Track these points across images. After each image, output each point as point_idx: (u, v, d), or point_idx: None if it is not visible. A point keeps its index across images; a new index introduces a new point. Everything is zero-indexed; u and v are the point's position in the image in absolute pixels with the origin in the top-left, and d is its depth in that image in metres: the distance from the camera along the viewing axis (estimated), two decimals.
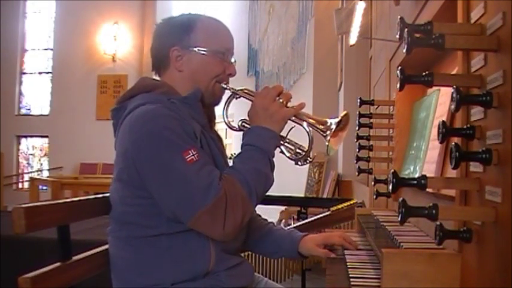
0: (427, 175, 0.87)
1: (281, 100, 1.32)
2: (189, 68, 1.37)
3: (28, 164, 11.96)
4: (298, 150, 1.38)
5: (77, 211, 1.41)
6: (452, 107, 0.81)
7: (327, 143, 1.29)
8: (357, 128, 1.84)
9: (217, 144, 1.39)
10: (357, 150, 1.88)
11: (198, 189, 1.18)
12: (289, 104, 1.34)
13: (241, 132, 1.38)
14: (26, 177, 11.20)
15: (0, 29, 11.13)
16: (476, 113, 0.88)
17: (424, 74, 0.87)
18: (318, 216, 2.60)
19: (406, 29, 0.85)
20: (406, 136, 1.68)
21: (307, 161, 1.39)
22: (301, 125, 1.33)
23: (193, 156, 1.20)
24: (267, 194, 1.31)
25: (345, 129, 1.33)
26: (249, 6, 9.82)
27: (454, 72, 1.17)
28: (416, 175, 0.90)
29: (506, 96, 0.76)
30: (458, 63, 0.98)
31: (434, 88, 1.40)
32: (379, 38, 3.17)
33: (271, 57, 8.73)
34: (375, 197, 1.69)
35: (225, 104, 1.44)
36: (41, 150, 11.93)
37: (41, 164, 11.90)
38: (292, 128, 1.38)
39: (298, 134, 1.39)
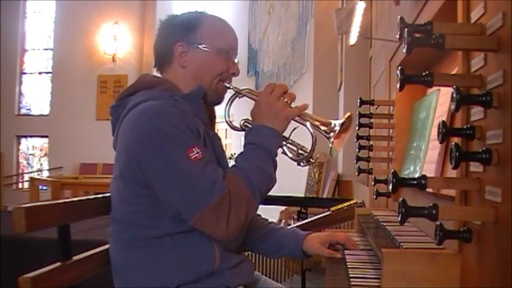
0: (427, 175, 0.87)
1: (285, 99, 1.32)
2: (193, 65, 1.36)
3: (28, 164, 11.96)
4: (300, 151, 1.37)
5: (77, 211, 1.41)
6: (452, 107, 0.81)
7: (330, 145, 1.29)
8: (357, 128, 1.84)
9: (219, 144, 1.38)
10: (357, 150, 1.87)
11: (202, 188, 1.17)
12: (292, 105, 1.34)
13: (242, 132, 1.38)
14: (26, 177, 11.21)
15: (0, 29, 11.14)
16: (476, 113, 0.88)
17: (424, 74, 0.87)
18: (318, 216, 2.60)
19: (406, 29, 0.85)
20: (406, 136, 1.68)
21: (310, 162, 1.38)
22: (305, 126, 1.32)
23: (197, 154, 1.19)
24: (268, 193, 1.31)
25: (348, 130, 1.32)
26: (249, 6, 9.82)
27: (454, 72, 1.17)
28: (416, 175, 0.89)
29: (506, 96, 0.76)
30: (458, 63, 0.98)
31: (434, 88, 1.40)
32: (379, 38, 3.17)
33: (271, 57, 8.73)
34: (374, 197, 1.69)
35: (228, 103, 1.44)
36: (41, 150, 11.93)
37: (41, 164, 11.90)
38: (295, 128, 1.38)
39: (299, 135, 1.39)
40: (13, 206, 1.16)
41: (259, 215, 1.58)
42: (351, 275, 1.16)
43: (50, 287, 1.20)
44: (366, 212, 1.79)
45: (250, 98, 1.39)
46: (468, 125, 0.85)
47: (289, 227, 1.70)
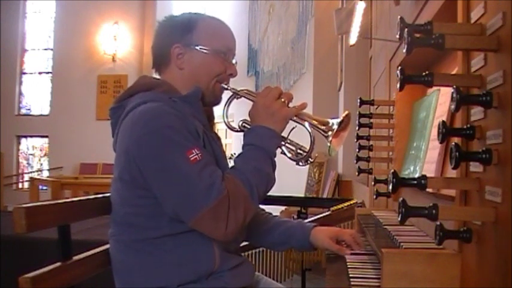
0: (427, 175, 0.87)
1: (283, 100, 1.32)
2: (190, 66, 1.37)
3: (28, 164, 11.97)
4: (299, 151, 1.37)
5: (77, 211, 1.41)
6: (452, 107, 0.81)
7: (328, 144, 1.29)
8: (357, 128, 1.84)
9: (218, 144, 1.39)
10: (357, 150, 1.88)
11: (201, 189, 1.17)
12: (290, 105, 1.34)
13: (241, 133, 1.38)
14: (26, 177, 11.21)
15: (0, 29, 11.14)
16: (476, 113, 0.88)
17: (424, 74, 0.87)
18: (318, 216, 2.59)
19: (406, 29, 0.85)
20: (406, 136, 1.68)
21: (308, 162, 1.38)
22: (303, 125, 1.33)
23: (196, 156, 1.20)
24: (268, 193, 1.31)
25: (346, 129, 1.32)
26: (249, 6, 9.82)
27: (454, 72, 1.17)
28: (416, 175, 0.90)
29: (506, 96, 0.76)
30: (458, 63, 0.98)
31: (434, 88, 1.40)
32: (379, 38, 3.17)
33: (271, 57, 8.73)
34: (374, 197, 1.69)
35: (226, 104, 1.44)
36: (41, 150, 11.93)
37: (41, 164, 11.90)
38: (294, 128, 1.38)
39: (298, 134, 1.39)
40: (13, 206, 1.16)
41: (263, 210, 1.57)
42: (351, 275, 1.16)
43: (50, 287, 1.20)
44: (366, 212, 1.79)
45: (248, 99, 1.39)
46: (468, 125, 0.85)
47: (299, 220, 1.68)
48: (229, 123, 1.47)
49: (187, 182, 1.18)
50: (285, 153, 1.38)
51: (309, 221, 2.56)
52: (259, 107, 1.32)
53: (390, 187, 0.87)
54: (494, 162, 0.78)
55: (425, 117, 1.45)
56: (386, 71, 2.22)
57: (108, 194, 1.39)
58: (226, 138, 9.17)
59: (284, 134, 1.35)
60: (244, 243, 1.65)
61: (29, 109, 11.93)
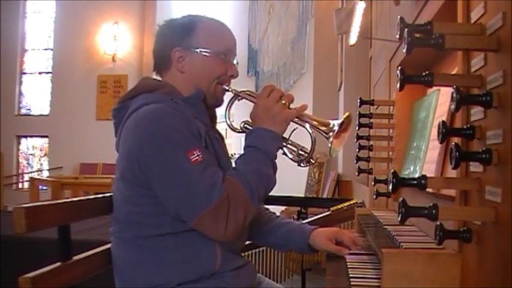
0: (427, 175, 0.87)
1: (283, 101, 1.32)
2: (191, 69, 1.37)
3: (28, 164, 11.96)
4: (300, 152, 1.38)
5: (77, 211, 1.41)
6: (452, 107, 0.81)
7: (329, 145, 1.29)
8: (357, 128, 1.84)
9: (221, 144, 1.39)
10: (357, 150, 1.88)
11: (201, 190, 1.18)
12: (291, 106, 1.34)
13: (243, 133, 1.38)
14: (26, 177, 11.21)
15: (0, 29, 11.14)
16: (476, 113, 0.88)
17: (424, 74, 0.87)
18: (318, 216, 2.60)
19: (406, 29, 0.85)
20: (406, 136, 1.68)
21: (310, 163, 1.38)
22: (304, 127, 1.33)
23: (198, 157, 1.20)
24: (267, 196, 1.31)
25: (347, 130, 1.32)
26: (249, 6, 9.82)
27: (454, 72, 1.17)
28: (416, 175, 0.90)
29: (506, 96, 0.76)
30: (458, 63, 0.98)
31: (434, 88, 1.40)
32: (379, 38, 3.17)
33: (271, 57, 8.73)
34: (374, 197, 1.69)
35: (227, 105, 1.44)
36: (41, 150, 11.93)
37: (41, 164, 11.90)
38: (295, 129, 1.38)
39: (300, 135, 1.39)
40: (13, 206, 1.16)
41: (267, 209, 1.58)
42: (351, 275, 1.16)
43: (50, 287, 1.20)
44: (366, 212, 1.79)
45: (249, 100, 1.39)
46: (468, 125, 0.85)
47: (300, 222, 1.68)
48: (231, 124, 1.47)
49: (188, 182, 1.19)
50: (286, 154, 1.38)
51: (309, 221, 2.57)
52: (260, 109, 1.32)
53: (390, 187, 0.87)
54: (494, 162, 0.78)
55: (425, 117, 1.45)
56: (386, 71, 2.22)
57: (108, 194, 1.39)
58: (226, 138, 9.16)
59: (285, 135, 1.36)
60: (247, 242, 1.65)
61: (29, 109, 11.93)
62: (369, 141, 1.88)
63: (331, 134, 1.28)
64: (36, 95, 11.87)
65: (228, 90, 1.41)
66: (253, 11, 9.72)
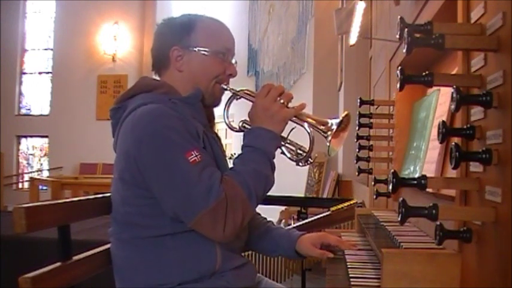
0: (427, 175, 0.87)
1: (282, 101, 1.32)
2: (189, 68, 1.37)
3: (28, 164, 11.96)
4: (299, 151, 1.37)
5: (77, 211, 1.41)
6: (452, 107, 0.81)
7: (328, 144, 1.29)
8: (357, 128, 1.84)
9: (218, 145, 1.39)
10: (357, 150, 1.88)
11: (199, 191, 1.18)
12: (290, 105, 1.34)
13: (242, 133, 1.38)
14: (26, 177, 11.21)
15: (0, 29, 11.14)
16: (476, 113, 0.88)
17: (424, 74, 0.87)
18: (318, 216, 2.60)
19: (406, 29, 0.85)
20: (406, 136, 1.68)
21: (308, 162, 1.38)
22: (302, 126, 1.33)
23: (196, 157, 1.20)
24: (267, 194, 1.31)
25: (346, 130, 1.32)
26: (249, 6, 9.82)
27: (454, 72, 1.17)
28: (416, 175, 0.90)
29: (506, 96, 0.76)
30: (458, 63, 0.98)
31: (434, 88, 1.40)
32: (379, 38, 3.17)
33: (271, 57, 8.73)
34: (374, 197, 1.69)
35: (226, 104, 1.44)
36: (41, 150, 11.93)
37: (41, 164, 11.90)
38: (293, 128, 1.38)
39: (299, 134, 1.38)
40: (13, 206, 1.16)
41: (259, 214, 1.58)
42: (351, 275, 1.16)
43: (50, 287, 1.20)
44: (366, 212, 1.79)
45: (248, 100, 1.39)
46: (468, 125, 0.85)
47: (289, 227, 1.70)
48: (229, 124, 1.47)
49: (186, 183, 1.19)
50: (284, 154, 1.38)
51: (309, 221, 2.57)
52: (258, 108, 1.32)
53: (390, 187, 0.87)
54: (494, 162, 0.78)
55: (425, 117, 1.45)
56: (386, 71, 2.22)
57: (108, 194, 1.39)
58: (226, 138, 9.17)
59: (284, 134, 1.35)
60: None
61: (29, 109, 11.93)
62: (368, 141, 1.88)
63: (329, 133, 1.28)
64: (36, 95, 11.87)
65: (226, 90, 1.40)
66: (253, 11, 9.72)
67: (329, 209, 2.61)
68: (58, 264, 1.26)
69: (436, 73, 0.87)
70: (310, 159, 1.37)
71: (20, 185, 11.62)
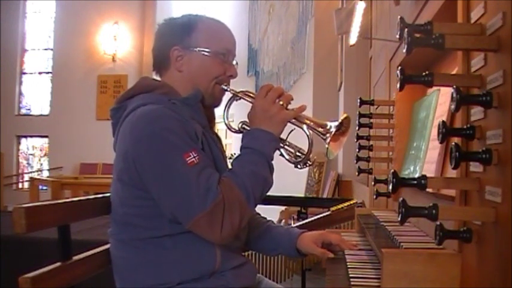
0: (427, 175, 0.87)
1: (281, 102, 1.32)
2: (189, 69, 1.37)
3: (28, 164, 11.96)
4: (298, 153, 1.37)
5: (77, 211, 1.41)
6: (452, 107, 0.81)
7: (326, 146, 1.29)
8: (357, 128, 1.83)
9: (218, 145, 1.39)
10: (357, 150, 1.87)
11: (197, 193, 1.17)
12: (289, 107, 1.33)
13: (241, 134, 1.38)
14: (26, 177, 11.21)
15: (0, 29, 11.14)
16: (476, 113, 0.88)
17: (424, 74, 0.87)
18: (318, 216, 2.60)
19: (406, 29, 0.85)
20: (406, 136, 1.68)
21: (307, 164, 1.38)
22: (301, 128, 1.32)
23: (194, 159, 1.20)
24: (267, 194, 1.31)
25: (346, 134, 1.32)
26: (249, 6, 9.82)
27: (454, 72, 1.17)
28: (416, 175, 0.89)
29: (506, 96, 0.76)
30: (458, 63, 0.98)
31: (434, 88, 1.40)
32: (379, 38, 3.17)
33: (271, 57, 8.73)
34: (374, 197, 1.69)
35: (226, 105, 1.44)
36: (41, 150, 11.93)
37: (41, 164, 11.90)
38: (293, 130, 1.37)
39: (298, 137, 1.38)
40: (13, 206, 1.16)
41: (258, 213, 1.58)
42: (351, 275, 1.16)
43: (50, 287, 1.20)
44: (366, 212, 1.79)
45: (247, 101, 1.39)
46: (468, 125, 0.85)
47: (289, 227, 1.69)
48: (229, 124, 1.47)
49: (184, 185, 1.19)
50: (283, 156, 1.38)
51: (309, 221, 2.57)
52: (258, 109, 1.32)
53: (390, 187, 0.87)
54: (494, 162, 0.78)
55: (425, 117, 1.45)
56: (386, 71, 2.22)
57: (108, 194, 1.39)
58: (226, 138, 9.17)
59: (283, 136, 1.35)
60: None
61: (29, 109, 11.93)
62: (369, 141, 1.88)
63: (328, 135, 1.27)
64: (36, 95, 11.87)
65: (226, 91, 1.40)
66: (253, 11, 9.72)
67: (329, 209, 2.61)
68: (58, 264, 1.26)
69: (436, 73, 0.87)
70: (308, 161, 1.37)
71: (20, 185, 11.62)
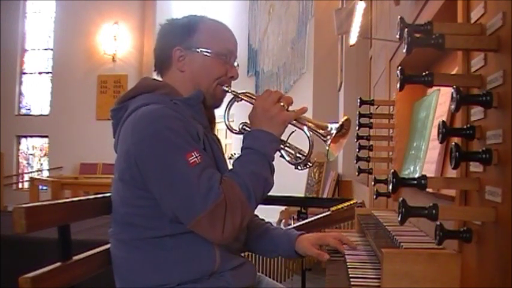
0: (427, 175, 0.87)
1: (282, 104, 1.32)
2: (191, 69, 1.37)
3: (28, 164, 11.97)
4: (298, 155, 1.37)
5: (77, 211, 1.41)
6: (452, 107, 0.81)
7: (327, 148, 1.29)
8: (357, 128, 1.84)
9: (218, 146, 1.39)
10: (357, 150, 1.87)
11: (199, 193, 1.18)
12: (290, 109, 1.34)
13: (241, 135, 1.38)
14: (26, 177, 11.21)
15: (0, 29, 11.14)
16: (476, 113, 0.88)
17: (424, 74, 0.87)
18: (318, 216, 2.60)
19: (406, 29, 0.85)
20: (406, 136, 1.68)
21: (307, 166, 1.38)
22: (302, 129, 1.33)
23: (196, 159, 1.20)
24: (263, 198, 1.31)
25: (346, 136, 1.32)
26: (249, 6, 9.83)
27: (454, 72, 1.17)
28: (416, 175, 0.89)
29: (506, 96, 0.76)
30: (458, 63, 0.98)
31: (434, 88, 1.40)
32: (379, 38, 3.17)
33: (271, 57, 8.73)
34: (374, 197, 1.69)
35: (227, 107, 1.44)
36: (41, 150, 11.93)
37: (41, 164, 11.90)
38: (293, 132, 1.38)
39: (298, 138, 1.38)
40: (13, 206, 1.16)
41: (257, 215, 1.58)
42: (351, 275, 1.16)
43: (50, 287, 1.20)
44: (366, 212, 1.79)
45: (248, 102, 1.39)
46: (468, 125, 0.85)
47: (289, 227, 1.70)
48: (229, 125, 1.47)
49: (186, 185, 1.19)
50: (284, 157, 1.38)
51: (309, 221, 2.57)
52: (259, 110, 1.32)
53: (390, 187, 0.87)
54: (494, 162, 0.78)
55: (425, 117, 1.45)
56: (386, 71, 2.22)
57: (108, 194, 1.39)
58: (226, 138, 9.17)
59: (284, 137, 1.35)
60: None
61: (29, 109, 11.93)
62: (369, 141, 1.88)
63: (328, 137, 1.27)
64: (36, 95, 11.87)
65: (228, 92, 1.40)
66: (253, 11, 9.72)
67: (329, 209, 2.61)
68: (58, 264, 1.26)
69: (436, 73, 0.87)
70: (309, 163, 1.37)
71: (20, 185, 11.62)
